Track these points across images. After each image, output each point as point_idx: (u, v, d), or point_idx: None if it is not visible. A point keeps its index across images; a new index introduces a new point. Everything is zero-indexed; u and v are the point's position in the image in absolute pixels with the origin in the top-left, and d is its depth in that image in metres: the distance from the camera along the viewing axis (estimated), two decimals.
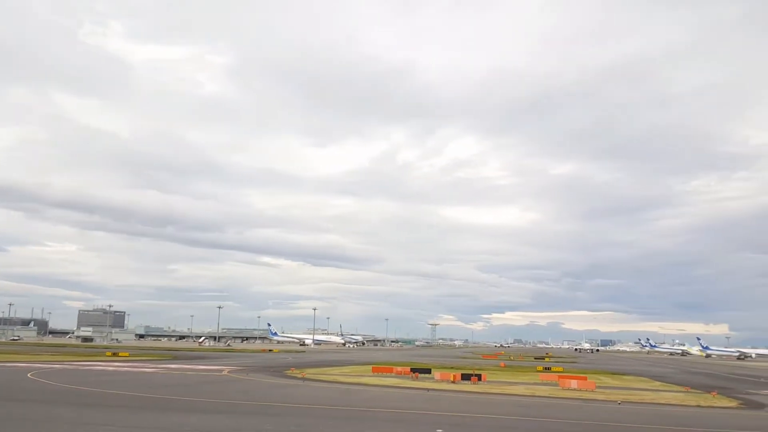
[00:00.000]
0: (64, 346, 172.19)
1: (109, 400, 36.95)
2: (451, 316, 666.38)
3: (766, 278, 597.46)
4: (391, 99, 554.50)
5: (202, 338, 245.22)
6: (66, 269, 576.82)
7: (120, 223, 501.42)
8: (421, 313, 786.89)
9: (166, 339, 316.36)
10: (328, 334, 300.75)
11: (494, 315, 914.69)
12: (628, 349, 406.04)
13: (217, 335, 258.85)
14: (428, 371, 68.35)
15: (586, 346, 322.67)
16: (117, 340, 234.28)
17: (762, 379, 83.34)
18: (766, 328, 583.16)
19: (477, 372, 59.12)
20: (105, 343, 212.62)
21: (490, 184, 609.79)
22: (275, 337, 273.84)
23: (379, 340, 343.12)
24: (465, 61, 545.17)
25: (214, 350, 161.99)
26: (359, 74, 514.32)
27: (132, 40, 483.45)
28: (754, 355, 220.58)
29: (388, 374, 67.75)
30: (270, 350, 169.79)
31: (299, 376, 61.32)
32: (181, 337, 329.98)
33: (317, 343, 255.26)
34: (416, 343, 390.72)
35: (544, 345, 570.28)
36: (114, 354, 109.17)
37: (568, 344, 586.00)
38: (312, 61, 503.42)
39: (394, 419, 31.97)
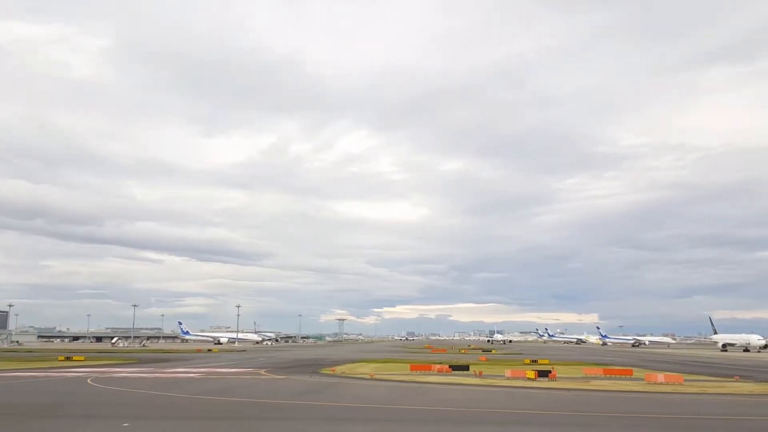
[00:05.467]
0: None
1: (321, 413, 33.74)
2: (343, 311, 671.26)
3: (630, 270, 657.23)
4: (282, 90, 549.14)
5: (115, 339, 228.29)
6: None
7: None
8: (313, 308, 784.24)
9: (58, 340, 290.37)
10: (229, 330, 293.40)
11: (385, 309, 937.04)
12: (514, 339, 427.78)
13: (132, 335, 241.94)
14: (466, 368, 70.27)
15: (499, 337, 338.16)
16: (18, 342, 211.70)
17: (715, 365, 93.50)
18: (631, 316, 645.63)
19: (548, 368, 61.19)
20: (6, 346, 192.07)
21: (382, 179, 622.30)
22: (187, 336, 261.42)
23: (291, 337, 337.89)
24: (356, 54, 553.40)
25: (144, 351, 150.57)
26: (247, 63, 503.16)
27: None
28: (647, 342, 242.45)
29: (429, 372, 68.22)
30: (209, 350, 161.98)
31: (367, 376, 60.31)
32: (76, 338, 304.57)
33: (232, 341, 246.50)
34: (326, 338, 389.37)
35: (437, 337, 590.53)
36: (68, 358, 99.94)
37: (458, 335, 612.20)
38: (196, 47, 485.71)
39: (659, 425, 30.78)
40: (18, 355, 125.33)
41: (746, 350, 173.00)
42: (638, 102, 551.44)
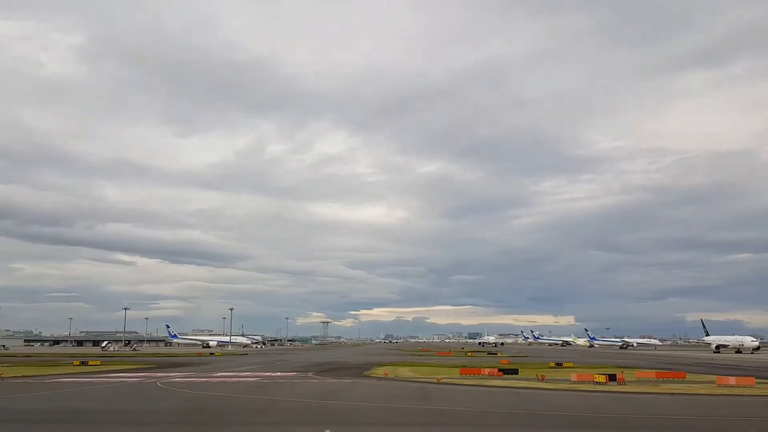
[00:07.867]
0: None
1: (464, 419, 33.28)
2: (320, 314, 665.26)
3: (606, 273, 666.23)
4: (258, 90, 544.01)
5: (105, 342, 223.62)
6: None
7: None
8: (290, 311, 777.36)
9: (38, 344, 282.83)
10: (212, 334, 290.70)
11: (363, 311, 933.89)
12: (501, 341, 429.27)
13: (124, 339, 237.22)
14: (516, 371, 70.66)
15: (491, 339, 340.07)
16: (4, 346, 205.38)
17: (736, 366, 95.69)
18: (606, 318, 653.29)
19: (614, 372, 61.54)
20: None
21: (360, 181, 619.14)
22: (175, 339, 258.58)
23: (276, 340, 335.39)
24: (334, 55, 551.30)
25: (143, 355, 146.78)
26: (223, 62, 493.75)
27: None
28: (635, 344, 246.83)
29: (482, 375, 68.18)
30: (211, 354, 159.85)
31: (435, 380, 60.19)
32: (56, 342, 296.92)
33: (222, 344, 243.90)
34: (312, 341, 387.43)
35: (416, 339, 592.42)
36: (83, 363, 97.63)
37: (437, 338, 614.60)
38: (171, 45, 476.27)
39: None
40: (22, 359, 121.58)
41: (738, 351, 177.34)
42: (614, 105, 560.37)
